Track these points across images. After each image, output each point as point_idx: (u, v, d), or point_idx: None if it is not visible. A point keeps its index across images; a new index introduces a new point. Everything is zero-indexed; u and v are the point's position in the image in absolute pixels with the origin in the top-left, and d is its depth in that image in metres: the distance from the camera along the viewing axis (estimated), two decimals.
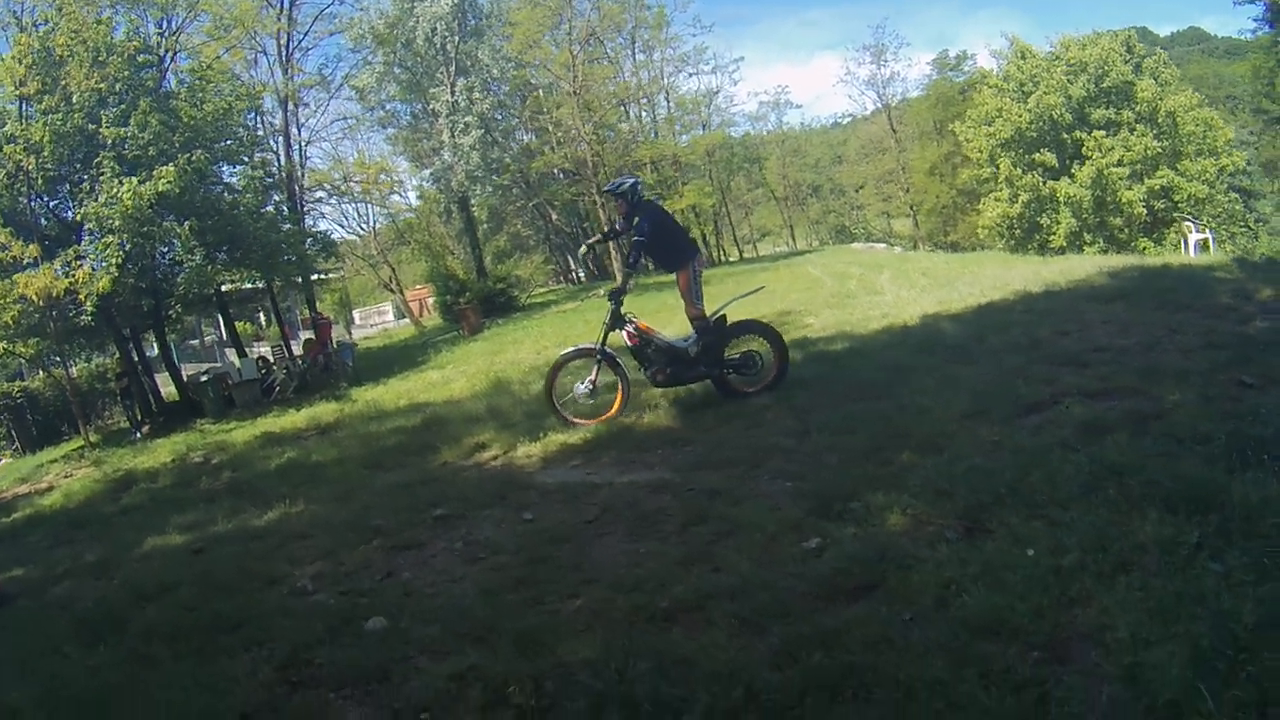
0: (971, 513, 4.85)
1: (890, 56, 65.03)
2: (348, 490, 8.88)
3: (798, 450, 6.84)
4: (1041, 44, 44.51)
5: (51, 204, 21.49)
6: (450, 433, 10.79)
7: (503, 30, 41.66)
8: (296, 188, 32.25)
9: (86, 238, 19.90)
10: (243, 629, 5.26)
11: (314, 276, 32.06)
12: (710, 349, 9.22)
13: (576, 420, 9.39)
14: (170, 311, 24.33)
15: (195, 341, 40.80)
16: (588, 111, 44.22)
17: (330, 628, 4.97)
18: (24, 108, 19.91)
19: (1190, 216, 36.10)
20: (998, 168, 41.81)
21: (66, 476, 16.51)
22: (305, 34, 33.36)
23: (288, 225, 25.96)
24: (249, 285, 28.78)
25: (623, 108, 50.55)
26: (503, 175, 42.45)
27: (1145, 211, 38.13)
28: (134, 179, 18.89)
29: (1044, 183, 39.98)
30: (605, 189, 10.87)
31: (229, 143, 23.40)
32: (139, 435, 20.56)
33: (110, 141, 19.49)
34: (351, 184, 39.31)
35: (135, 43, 21.57)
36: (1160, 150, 38.35)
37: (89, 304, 19.02)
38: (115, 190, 18.82)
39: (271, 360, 26.22)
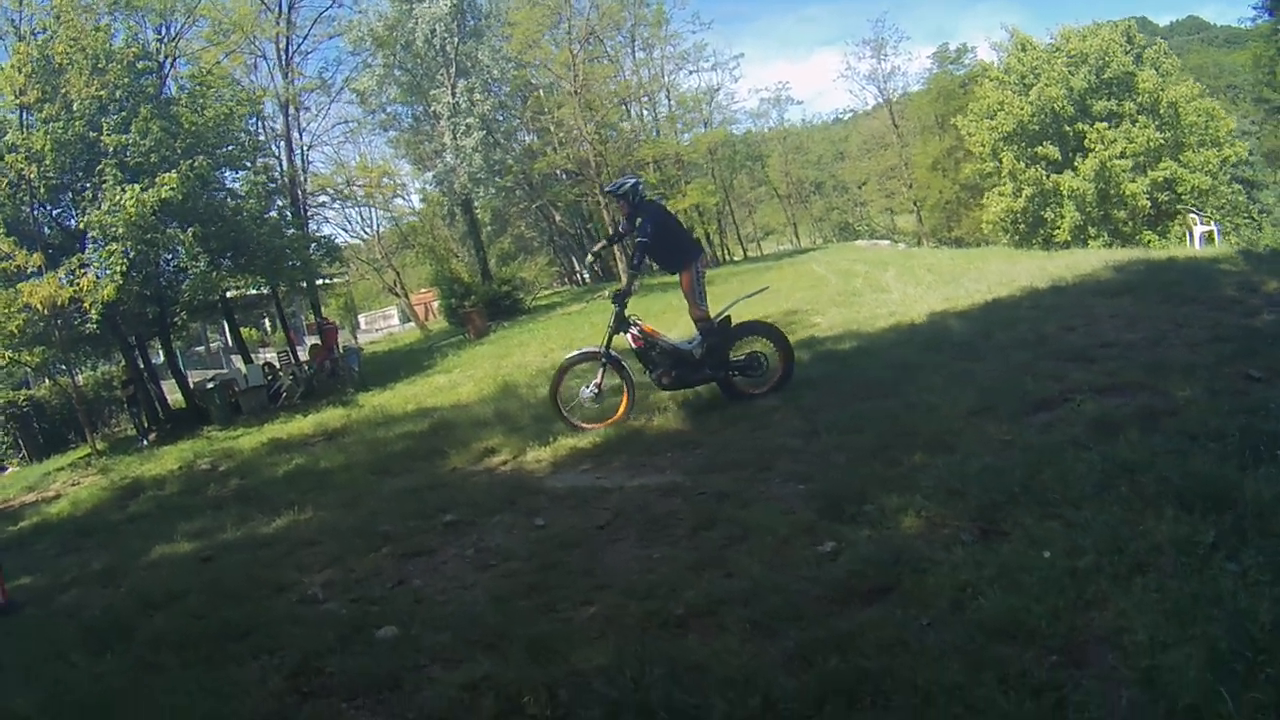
0: (986, 513, 4.83)
1: (890, 51, 65.03)
2: (356, 496, 8.86)
3: (807, 451, 6.83)
4: (1042, 35, 44.43)
5: (54, 212, 21.45)
6: (458, 437, 10.74)
7: (502, 30, 41.57)
8: (299, 192, 32.25)
9: (90, 246, 19.93)
10: (252, 637, 5.23)
11: (319, 281, 32.04)
12: (715, 351, 9.18)
13: (582, 424, 9.35)
14: (175, 318, 24.38)
15: (201, 348, 40.86)
16: (589, 111, 44.25)
17: (341, 636, 4.95)
18: (24, 117, 19.90)
19: (1195, 208, 35.97)
20: (1000, 162, 41.74)
21: (73, 484, 16.50)
22: (304, 37, 33.40)
23: (291, 230, 25.93)
24: (254, 291, 28.85)
25: (624, 107, 50.58)
26: (505, 177, 42.35)
27: (1149, 204, 38.07)
28: (136, 186, 18.88)
29: (1047, 176, 39.88)
30: (606, 190, 10.85)
31: (231, 148, 23.36)
32: (146, 443, 20.59)
33: (112, 149, 19.49)
34: (354, 188, 39.46)
35: (134, 49, 21.51)
36: (1163, 141, 38.27)
37: (94, 312, 19.04)
38: (118, 198, 18.81)
39: (278, 366, 26.19)
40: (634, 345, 9.39)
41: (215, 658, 5.02)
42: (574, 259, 54.24)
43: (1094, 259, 16.53)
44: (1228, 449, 4.96)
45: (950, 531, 4.72)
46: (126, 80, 20.45)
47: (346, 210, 44.29)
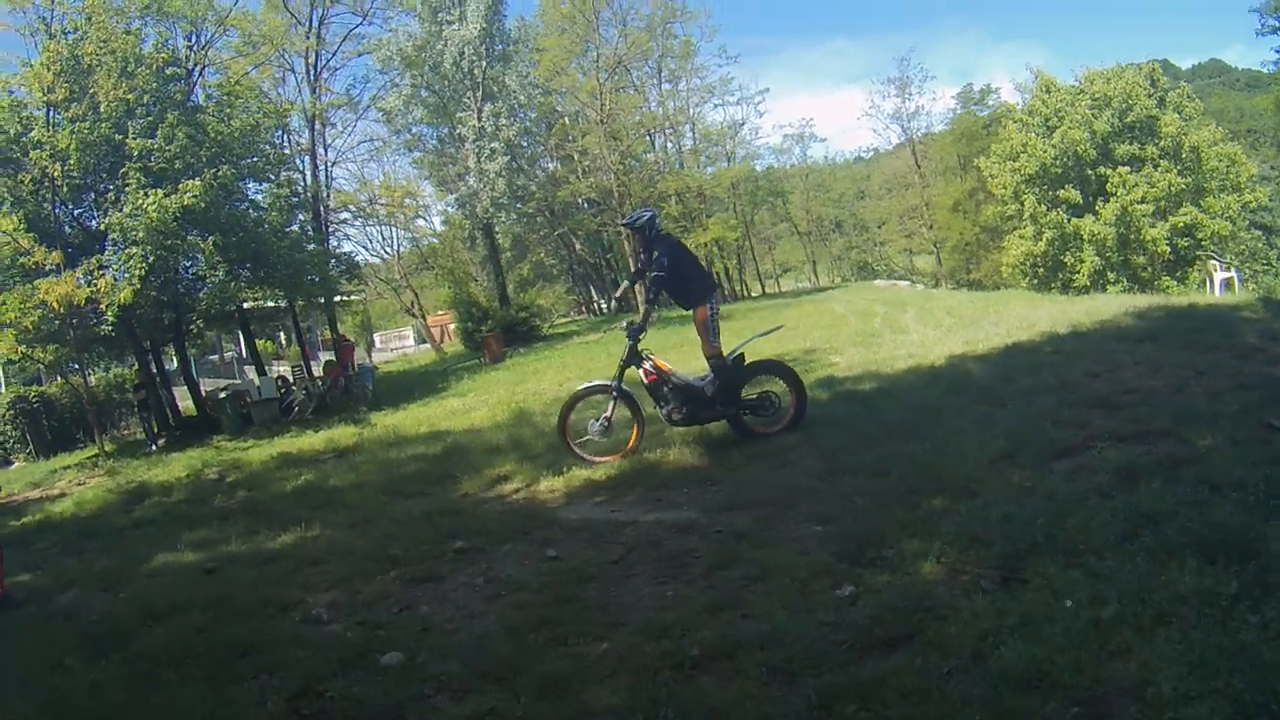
0: (1007, 561, 4.74)
1: (915, 90, 64.99)
2: (365, 517, 8.78)
3: (826, 492, 6.75)
4: (1065, 75, 44.60)
5: (76, 212, 21.65)
6: (471, 463, 10.71)
7: (530, 56, 41.80)
8: (322, 208, 32.29)
9: (110, 248, 20.10)
10: (253, 655, 5.15)
11: (336, 298, 32.09)
12: (727, 389, 9.13)
13: (589, 457, 9.31)
14: (191, 326, 24.53)
15: (215, 357, 41.06)
16: (614, 140, 44.41)
17: (344, 660, 4.86)
18: (51, 115, 20.06)
19: (1215, 254, 35.88)
20: (1022, 204, 41.70)
21: (79, 484, 16.56)
22: (334, 54, 33.55)
23: (312, 245, 25.97)
24: (271, 304, 28.98)
25: (649, 138, 50.82)
26: (528, 203, 42.48)
27: (1169, 249, 37.97)
28: (159, 191, 19.03)
29: (1068, 220, 39.82)
30: (622, 222, 10.81)
31: (255, 160, 23.59)
32: (154, 448, 20.65)
33: (136, 153, 19.64)
34: (377, 206, 39.52)
35: (164, 55, 21.75)
36: (1184, 186, 38.27)
37: (110, 314, 19.15)
38: (140, 202, 18.96)
39: (291, 380, 26.31)
40: (646, 380, 9.32)
41: (215, 675, 4.92)
42: (592, 288, 54.35)
43: (1114, 304, 16.45)
44: (1250, 499, 4.92)
45: (971, 578, 4.64)
46: (155, 85, 20.67)
47: (368, 228, 44.68)
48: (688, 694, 3.92)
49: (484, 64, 35.83)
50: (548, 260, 56.00)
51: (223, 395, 22.75)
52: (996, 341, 13.28)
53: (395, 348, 54.26)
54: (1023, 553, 4.77)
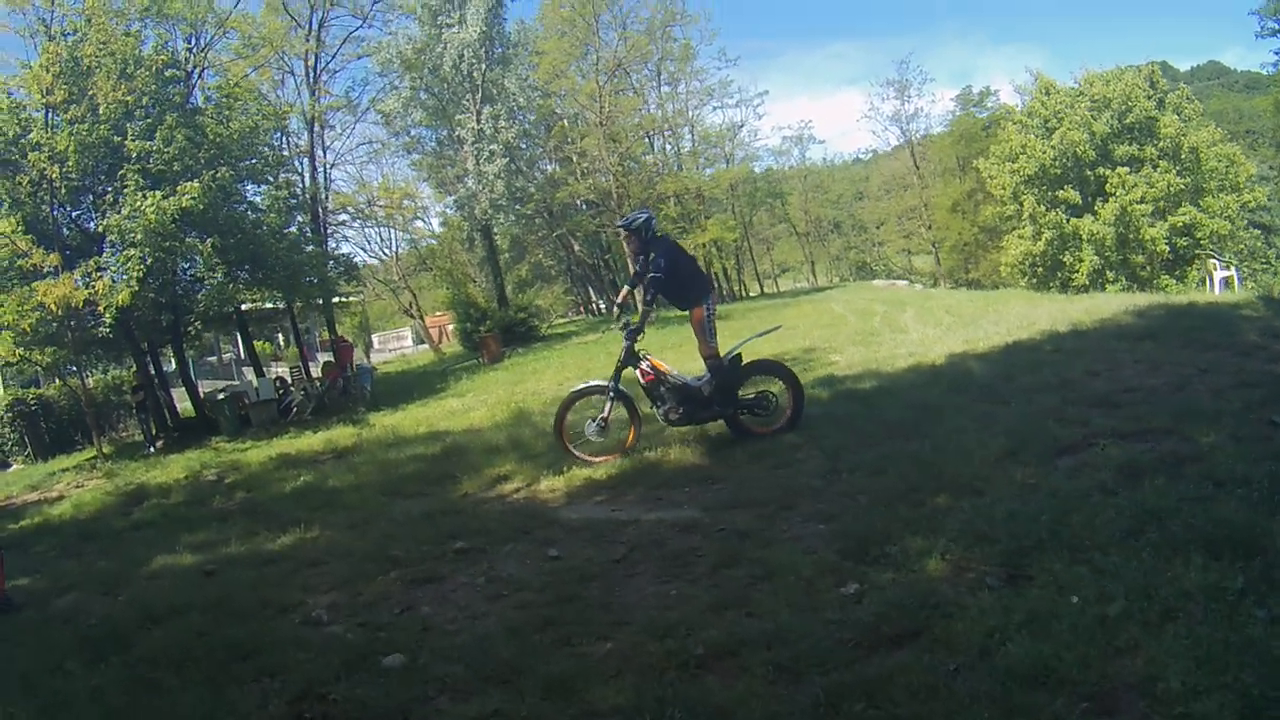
0: (1012, 558, 4.73)
1: (914, 92, 65.10)
2: (365, 518, 8.77)
3: (829, 490, 6.73)
4: (1065, 78, 44.59)
5: (74, 214, 21.53)
6: (471, 462, 10.70)
7: (530, 59, 41.74)
8: (320, 209, 32.34)
9: (108, 250, 19.98)
10: (254, 658, 5.12)
11: (335, 299, 32.06)
12: (724, 389, 9.12)
13: (587, 458, 9.30)
14: (189, 328, 24.48)
15: (213, 359, 41.02)
16: (613, 143, 44.46)
17: (346, 662, 4.83)
18: (50, 116, 19.98)
19: (1215, 253, 35.90)
20: (1021, 205, 41.69)
21: (78, 486, 16.51)
22: (333, 56, 33.73)
23: (311, 247, 25.97)
24: (269, 305, 28.92)
25: (648, 140, 50.89)
26: (526, 204, 42.55)
27: (1168, 249, 37.95)
28: (158, 193, 18.97)
29: (1067, 220, 39.82)
30: (619, 224, 10.80)
31: (254, 161, 23.53)
32: (153, 450, 20.57)
33: (135, 154, 19.56)
34: (375, 208, 39.63)
35: (163, 57, 21.66)
36: (1183, 186, 38.25)
37: (108, 316, 19.05)
38: (139, 203, 18.89)
39: (289, 381, 26.20)
40: (643, 380, 9.32)
41: (216, 678, 4.89)
42: (590, 288, 54.34)
43: (1114, 303, 16.45)
44: (1255, 495, 4.92)
45: (976, 575, 4.63)
46: (154, 87, 20.58)
47: (366, 230, 44.69)
48: (693, 693, 3.90)
49: (483, 67, 35.80)
50: (546, 261, 56.12)
51: (221, 397, 22.67)
52: (996, 340, 13.27)
53: (393, 348, 54.27)
54: (1028, 549, 4.76)
